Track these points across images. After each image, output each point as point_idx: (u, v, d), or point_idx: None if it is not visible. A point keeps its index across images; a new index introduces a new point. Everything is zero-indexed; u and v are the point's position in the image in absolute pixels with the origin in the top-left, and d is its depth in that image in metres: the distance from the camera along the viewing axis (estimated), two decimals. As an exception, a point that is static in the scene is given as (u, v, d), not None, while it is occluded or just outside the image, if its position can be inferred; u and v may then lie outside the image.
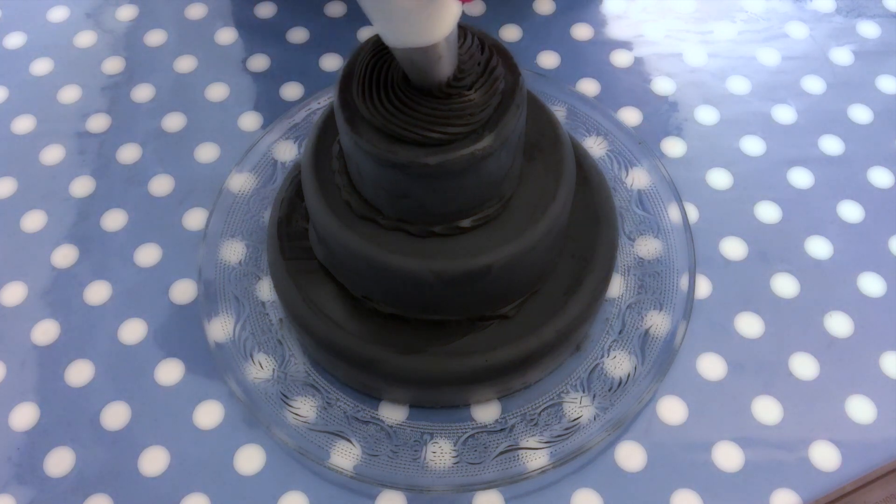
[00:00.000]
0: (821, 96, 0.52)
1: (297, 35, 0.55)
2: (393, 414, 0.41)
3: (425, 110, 0.31)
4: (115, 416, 0.41)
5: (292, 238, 0.41)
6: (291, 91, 0.53)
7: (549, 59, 0.54)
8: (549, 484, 0.39)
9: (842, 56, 0.54)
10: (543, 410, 0.40)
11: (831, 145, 0.50)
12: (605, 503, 0.39)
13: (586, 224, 0.41)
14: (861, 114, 0.51)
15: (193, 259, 0.45)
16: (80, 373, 0.43)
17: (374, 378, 0.39)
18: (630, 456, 0.40)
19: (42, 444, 0.41)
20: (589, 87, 0.52)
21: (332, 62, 0.54)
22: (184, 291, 0.45)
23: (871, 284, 0.45)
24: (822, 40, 0.55)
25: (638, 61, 0.54)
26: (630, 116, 0.51)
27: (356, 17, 0.56)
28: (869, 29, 0.55)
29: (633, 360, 0.41)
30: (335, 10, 0.56)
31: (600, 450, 0.40)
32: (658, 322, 0.42)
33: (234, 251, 0.45)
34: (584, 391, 0.41)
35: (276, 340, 0.42)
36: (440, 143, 0.32)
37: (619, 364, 0.41)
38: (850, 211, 0.47)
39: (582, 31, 0.55)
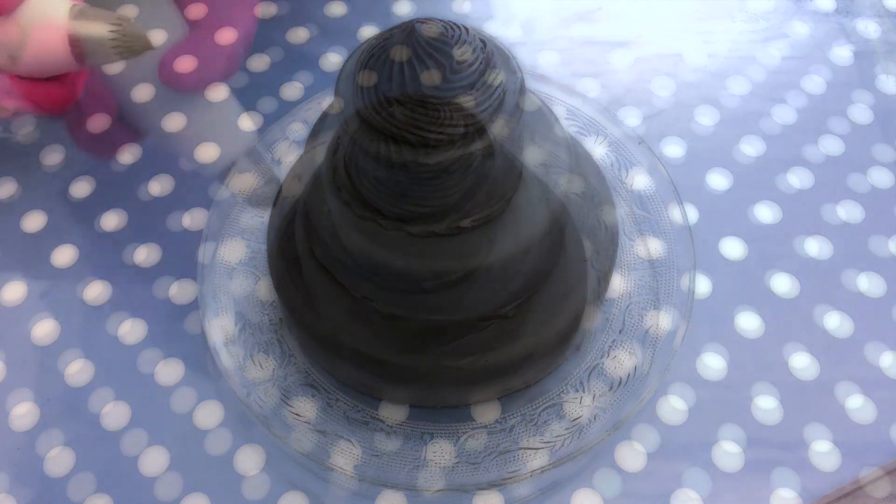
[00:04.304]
0: (821, 96, 0.52)
1: (297, 35, 0.55)
2: (393, 414, 0.41)
3: (425, 111, 0.31)
4: (115, 416, 0.41)
5: (292, 238, 0.41)
6: (291, 91, 0.53)
7: (549, 59, 0.54)
8: (549, 484, 0.39)
9: (842, 56, 0.54)
10: (543, 410, 0.40)
11: (831, 145, 0.50)
12: (605, 503, 0.39)
13: (586, 224, 0.41)
14: (861, 114, 0.51)
15: (193, 259, 0.45)
16: (80, 373, 0.43)
17: (374, 378, 0.39)
18: (630, 456, 0.40)
19: (42, 444, 0.41)
20: (589, 87, 0.52)
21: (332, 62, 0.54)
22: (184, 291, 0.45)
23: (872, 284, 0.45)
24: (822, 40, 0.55)
25: (638, 61, 0.54)
26: (630, 116, 0.51)
27: (357, 16, 0.56)
28: (869, 28, 0.55)
29: (633, 360, 0.41)
30: (335, 9, 0.56)
31: (600, 450, 0.40)
32: (658, 322, 0.42)
33: (234, 251, 0.45)
34: (584, 391, 0.41)
35: (276, 340, 0.42)
36: (440, 144, 0.32)
37: (619, 364, 0.41)
38: (850, 211, 0.47)
39: (581, 31, 0.55)
